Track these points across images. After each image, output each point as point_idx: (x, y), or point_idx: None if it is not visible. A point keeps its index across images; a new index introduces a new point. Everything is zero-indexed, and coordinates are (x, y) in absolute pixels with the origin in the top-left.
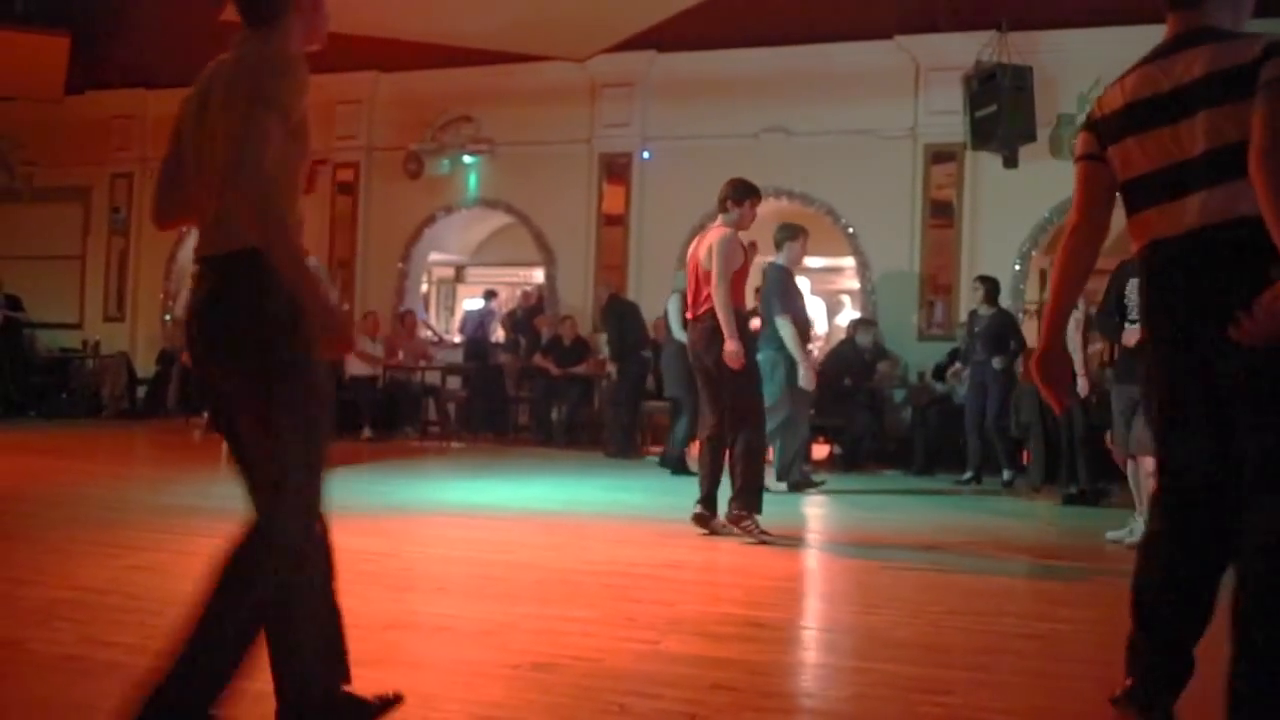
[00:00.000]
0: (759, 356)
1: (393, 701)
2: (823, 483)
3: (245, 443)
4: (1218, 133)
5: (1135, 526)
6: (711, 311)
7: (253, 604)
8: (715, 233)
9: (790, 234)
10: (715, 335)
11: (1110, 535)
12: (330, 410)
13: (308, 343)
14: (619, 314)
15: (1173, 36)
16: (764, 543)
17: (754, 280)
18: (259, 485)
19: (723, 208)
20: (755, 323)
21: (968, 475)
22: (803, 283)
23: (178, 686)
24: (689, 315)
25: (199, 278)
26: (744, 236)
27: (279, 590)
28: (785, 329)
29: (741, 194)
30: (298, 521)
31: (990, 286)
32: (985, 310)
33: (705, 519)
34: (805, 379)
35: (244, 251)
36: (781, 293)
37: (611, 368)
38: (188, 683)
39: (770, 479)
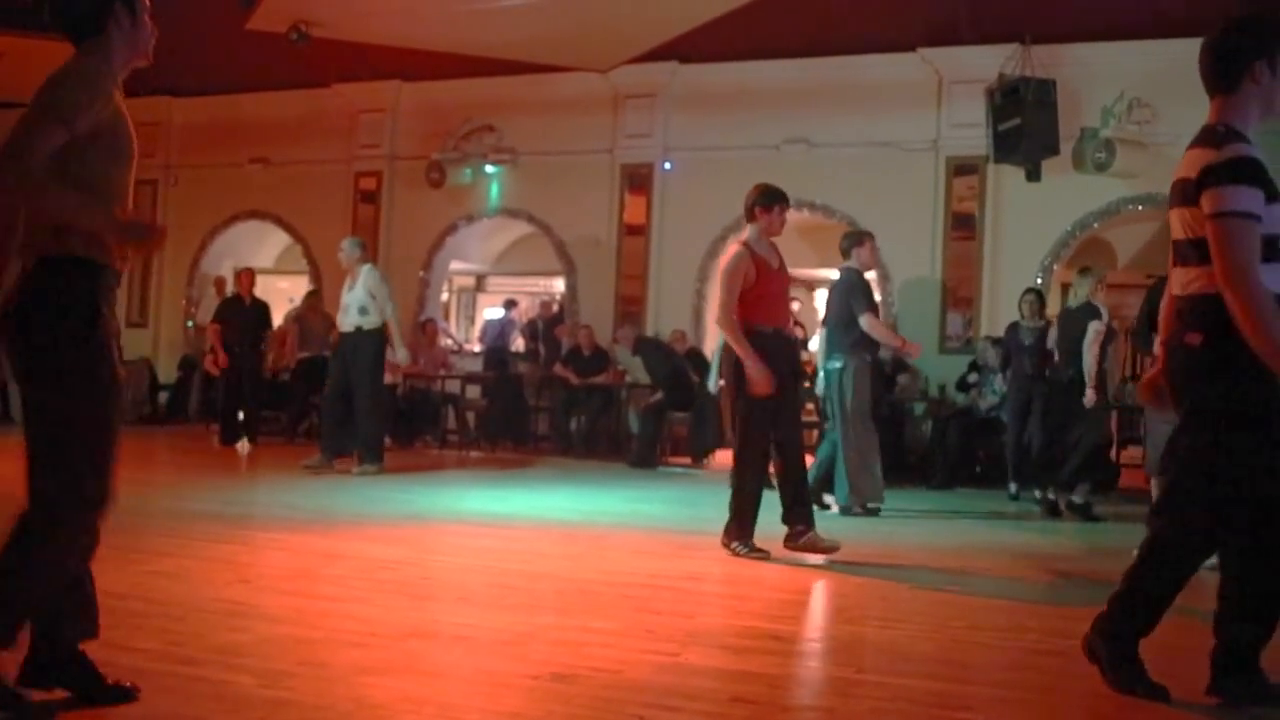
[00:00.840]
0: (835, 365)
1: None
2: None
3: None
4: (1176, 227)
5: None
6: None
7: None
8: (728, 251)
9: (856, 240)
10: (730, 358)
11: None
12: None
13: (76, 342)
14: (654, 353)
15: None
16: (758, 558)
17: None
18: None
19: (749, 217)
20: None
21: (1014, 491)
22: (823, 295)
23: None
24: None
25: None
26: (778, 243)
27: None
28: (875, 327)
29: (765, 200)
30: None
31: (1040, 300)
32: (1033, 323)
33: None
34: (913, 354)
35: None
36: (862, 293)
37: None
38: None
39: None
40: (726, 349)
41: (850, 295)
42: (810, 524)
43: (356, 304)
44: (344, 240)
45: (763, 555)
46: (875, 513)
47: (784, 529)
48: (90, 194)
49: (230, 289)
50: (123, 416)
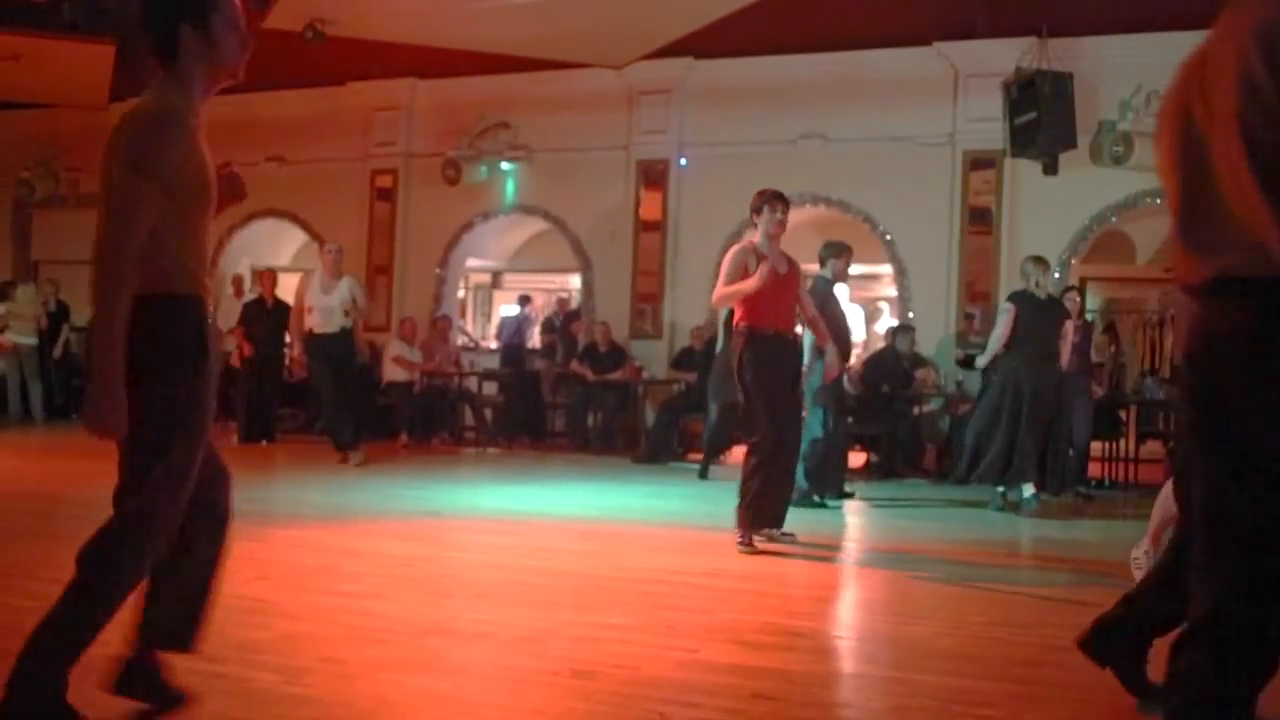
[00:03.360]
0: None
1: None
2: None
3: None
4: None
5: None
6: (735, 327)
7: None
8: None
9: (834, 251)
10: (742, 352)
11: None
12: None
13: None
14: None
15: None
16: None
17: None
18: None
19: (752, 221)
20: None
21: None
22: (840, 290)
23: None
24: None
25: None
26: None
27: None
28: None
29: (756, 204)
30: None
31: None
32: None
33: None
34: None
35: (146, 300)
36: (820, 303)
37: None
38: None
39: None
40: (733, 346)
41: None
42: (779, 525)
43: (341, 307)
44: (334, 245)
45: (754, 550)
46: (823, 504)
47: (796, 529)
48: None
49: (249, 290)
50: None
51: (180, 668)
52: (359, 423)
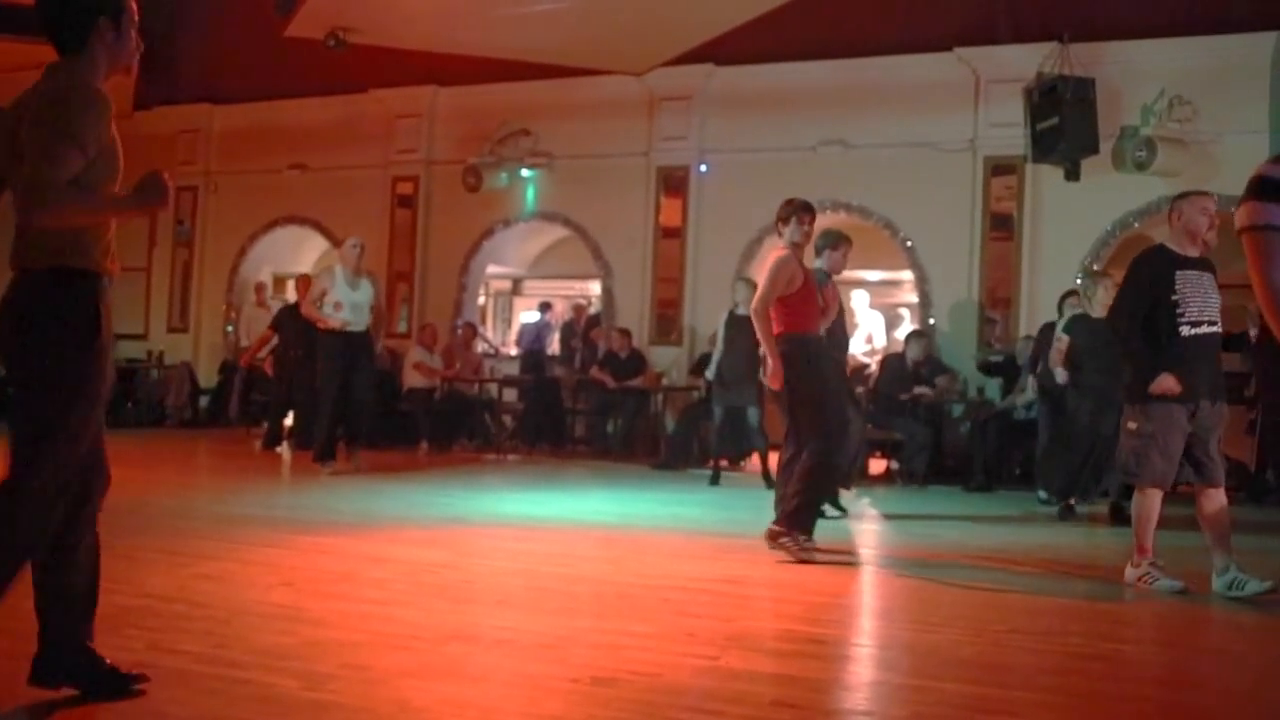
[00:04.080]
0: None
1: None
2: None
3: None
4: None
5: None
6: (780, 335)
7: None
8: (777, 249)
9: (830, 241)
10: (797, 359)
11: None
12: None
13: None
14: None
15: None
16: (806, 561)
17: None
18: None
19: (777, 230)
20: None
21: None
22: (860, 296)
23: None
24: None
25: (12, 283)
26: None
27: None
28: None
29: (787, 213)
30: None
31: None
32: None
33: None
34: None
35: (41, 273)
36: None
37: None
38: None
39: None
40: (787, 357)
41: None
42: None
43: (367, 305)
44: (357, 239)
45: (816, 559)
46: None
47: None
48: (93, 191)
49: (270, 295)
50: (101, 414)
51: (205, 673)
52: (358, 429)
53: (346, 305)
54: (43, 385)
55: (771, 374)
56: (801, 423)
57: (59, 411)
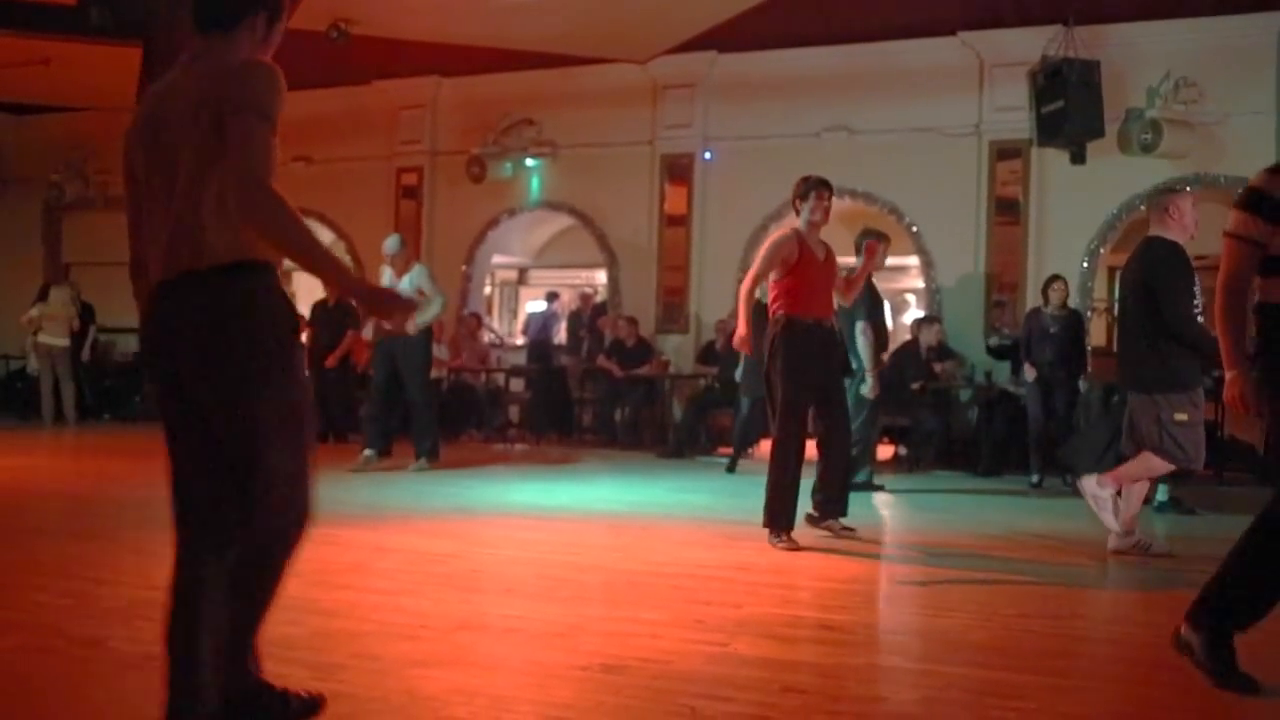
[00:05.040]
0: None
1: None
2: (882, 487)
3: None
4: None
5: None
6: (772, 315)
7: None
8: (778, 231)
9: (870, 239)
10: (774, 341)
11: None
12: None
13: (288, 351)
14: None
15: None
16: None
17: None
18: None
19: (794, 208)
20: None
21: (1037, 480)
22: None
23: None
24: None
25: (163, 296)
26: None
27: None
28: (861, 335)
29: (798, 192)
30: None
31: (1068, 288)
32: (1059, 311)
33: (812, 519)
34: (869, 388)
35: (224, 269)
36: (866, 300)
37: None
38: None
39: None
40: (768, 333)
41: (858, 302)
42: (843, 514)
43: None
44: (393, 236)
45: (792, 546)
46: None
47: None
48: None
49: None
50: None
51: None
52: (417, 430)
53: None
54: (257, 396)
55: (737, 339)
56: (772, 403)
57: (280, 423)
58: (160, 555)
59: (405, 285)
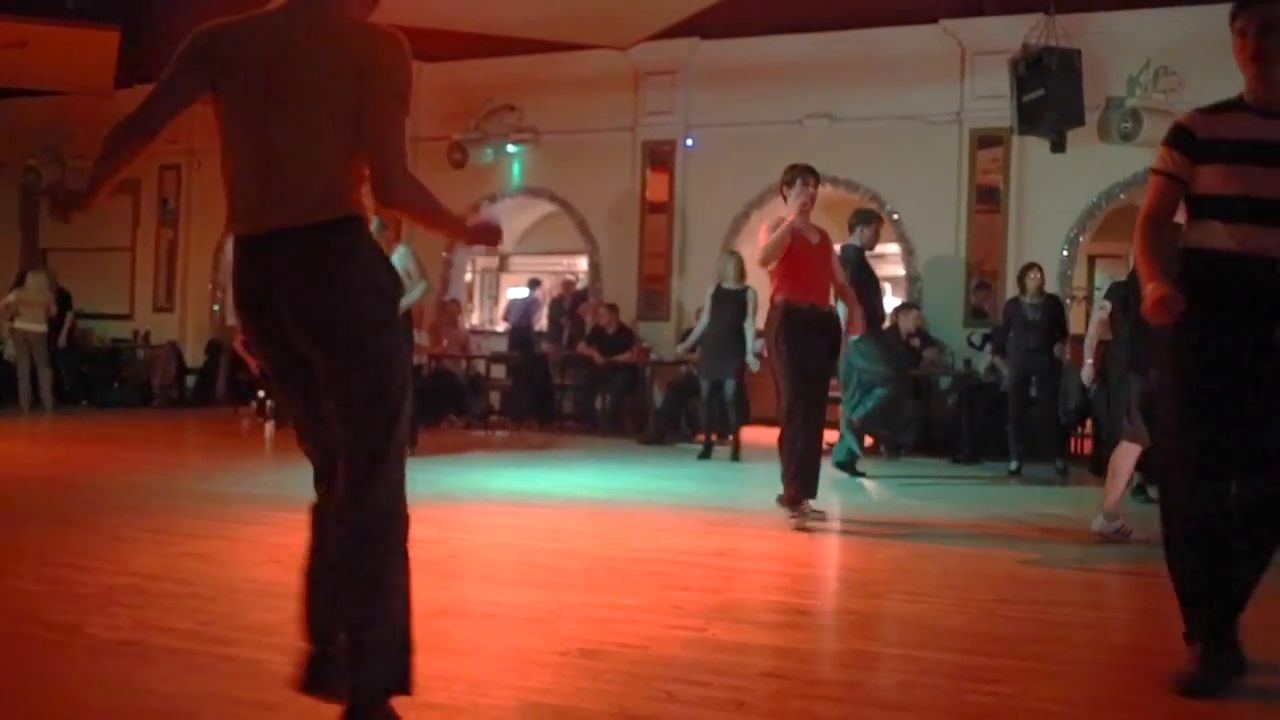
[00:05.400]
0: (852, 338)
1: None
2: (864, 474)
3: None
4: None
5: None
6: (772, 301)
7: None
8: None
9: (864, 219)
10: (777, 324)
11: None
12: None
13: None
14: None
15: None
16: (802, 529)
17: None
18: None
19: (781, 195)
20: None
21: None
22: None
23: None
24: None
25: (275, 249)
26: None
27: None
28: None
29: (785, 179)
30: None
31: (1043, 275)
32: (1036, 299)
33: (782, 500)
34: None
35: (339, 222)
36: (853, 271)
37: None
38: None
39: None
40: (769, 320)
41: (854, 273)
42: (812, 495)
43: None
44: (373, 219)
45: (820, 516)
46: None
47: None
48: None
49: None
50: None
51: (194, 650)
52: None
53: None
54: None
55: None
56: (779, 387)
57: (404, 378)
58: (137, 542)
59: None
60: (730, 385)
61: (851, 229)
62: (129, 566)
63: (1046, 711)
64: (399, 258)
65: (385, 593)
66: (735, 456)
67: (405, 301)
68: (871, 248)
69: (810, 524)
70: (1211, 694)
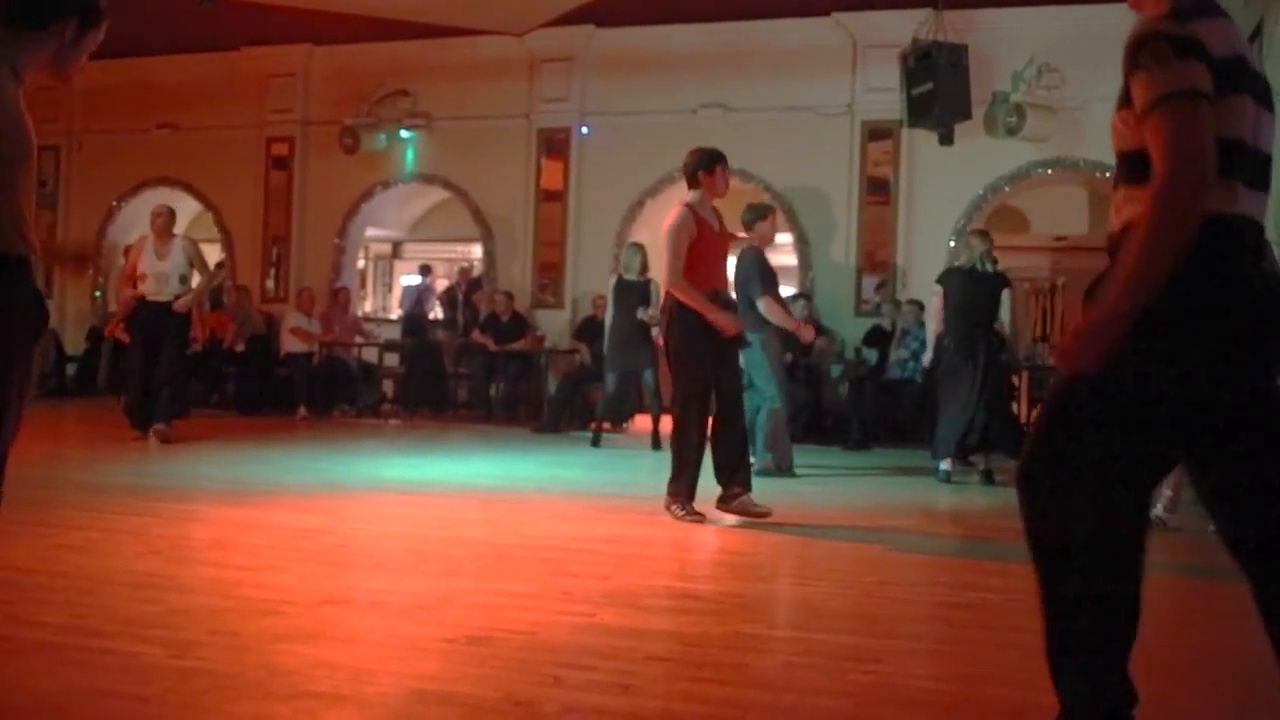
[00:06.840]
0: (753, 337)
1: None
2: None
3: None
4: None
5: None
6: (669, 295)
7: None
8: (671, 213)
9: (759, 214)
10: (672, 319)
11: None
12: None
13: None
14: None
15: None
16: (694, 521)
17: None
18: None
19: (691, 183)
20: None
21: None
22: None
23: None
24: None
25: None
26: (719, 205)
27: None
28: (771, 309)
29: (706, 164)
30: None
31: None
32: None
33: (723, 499)
34: (806, 337)
35: None
36: (760, 274)
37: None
38: None
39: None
40: (667, 311)
41: (750, 278)
42: (747, 487)
43: (177, 273)
44: (162, 206)
45: (698, 518)
46: (791, 472)
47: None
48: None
49: None
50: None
51: (68, 644)
52: (180, 398)
53: (150, 276)
54: None
55: (724, 323)
56: (677, 380)
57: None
58: (11, 534)
59: (171, 261)
60: (649, 374)
61: (749, 226)
62: (1, 560)
63: (924, 688)
64: (179, 251)
65: None
66: (656, 445)
67: (185, 300)
68: (770, 242)
69: (691, 519)
70: None
